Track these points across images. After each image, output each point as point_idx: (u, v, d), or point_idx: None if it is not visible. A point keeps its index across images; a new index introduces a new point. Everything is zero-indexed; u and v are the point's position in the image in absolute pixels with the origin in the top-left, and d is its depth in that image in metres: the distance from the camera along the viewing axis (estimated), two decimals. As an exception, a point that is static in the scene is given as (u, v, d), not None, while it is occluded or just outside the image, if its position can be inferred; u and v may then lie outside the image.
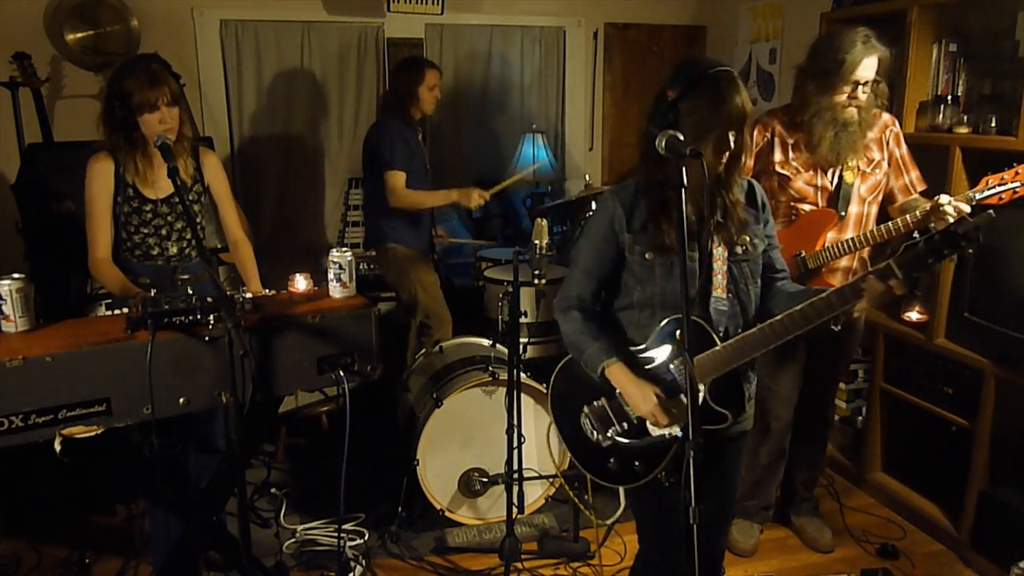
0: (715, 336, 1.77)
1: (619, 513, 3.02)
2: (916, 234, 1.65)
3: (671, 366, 1.81)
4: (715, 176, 1.77)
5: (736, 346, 1.74)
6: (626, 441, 1.89)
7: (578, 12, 4.72)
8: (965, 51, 2.95)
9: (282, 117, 4.32)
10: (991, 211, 1.64)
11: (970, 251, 1.58)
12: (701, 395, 1.78)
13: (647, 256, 1.80)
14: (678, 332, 1.77)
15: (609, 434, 1.90)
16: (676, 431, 1.80)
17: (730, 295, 1.81)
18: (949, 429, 2.98)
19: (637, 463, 1.88)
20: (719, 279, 1.80)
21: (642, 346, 1.84)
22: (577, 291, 1.91)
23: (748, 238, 1.83)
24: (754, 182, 1.91)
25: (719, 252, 1.81)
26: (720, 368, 1.76)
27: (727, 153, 1.73)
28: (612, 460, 1.91)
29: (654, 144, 1.64)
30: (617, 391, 1.87)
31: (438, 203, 3.72)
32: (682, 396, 1.78)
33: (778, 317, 1.70)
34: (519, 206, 4.72)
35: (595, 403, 1.92)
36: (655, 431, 1.84)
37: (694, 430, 1.46)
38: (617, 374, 1.82)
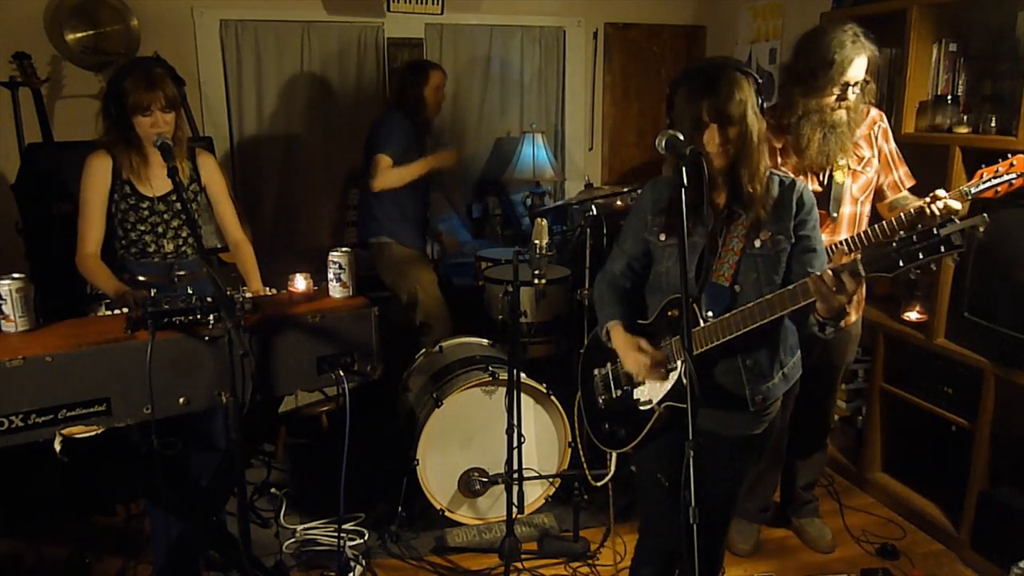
0: (700, 317, 1.83)
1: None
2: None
3: (662, 343, 1.91)
4: (721, 168, 1.79)
5: (714, 327, 1.80)
6: (616, 406, 2.04)
7: (578, 12, 4.72)
8: (965, 51, 2.95)
9: (282, 117, 4.32)
10: (984, 215, 1.51)
11: (954, 259, 1.51)
12: (677, 372, 1.86)
13: (661, 238, 1.92)
14: (670, 312, 1.89)
15: (605, 398, 2.07)
16: (653, 398, 1.92)
17: (735, 285, 1.83)
18: (949, 429, 2.98)
19: (623, 430, 2.02)
20: (725, 267, 1.84)
21: (647, 322, 1.96)
22: (612, 264, 2.07)
23: (770, 234, 1.83)
24: (799, 182, 1.89)
25: (734, 242, 1.84)
26: (700, 344, 1.81)
27: (716, 146, 1.75)
28: (607, 424, 2.07)
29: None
30: (618, 360, 1.99)
31: (417, 173, 3.59)
32: (673, 370, 1.89)
33: (750, 304, 1.75)
34: (519, 206, 4.72)
35: (603, 368, 2.08)
36: (636, 394, 1.96)
37: (693, 430, 1.47)
38: (614, 333, 1.96)
